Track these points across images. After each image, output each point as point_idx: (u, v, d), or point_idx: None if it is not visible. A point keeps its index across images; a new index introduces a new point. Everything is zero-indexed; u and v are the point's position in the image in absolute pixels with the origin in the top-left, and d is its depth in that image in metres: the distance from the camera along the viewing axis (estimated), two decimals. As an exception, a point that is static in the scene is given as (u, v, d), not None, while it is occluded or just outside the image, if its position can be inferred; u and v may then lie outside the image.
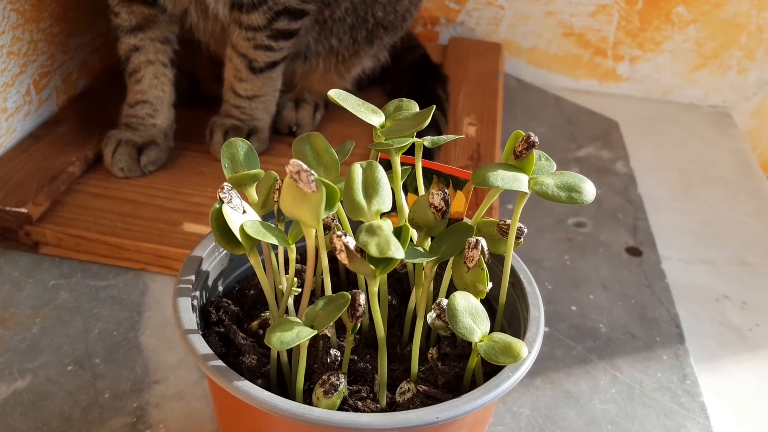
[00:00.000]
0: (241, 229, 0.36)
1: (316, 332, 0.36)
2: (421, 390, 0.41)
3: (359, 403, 0.40)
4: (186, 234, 0.71)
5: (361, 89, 0.95)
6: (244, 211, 0.37)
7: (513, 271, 0.46)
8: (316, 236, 0.37)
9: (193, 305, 0.42)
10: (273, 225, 0.38)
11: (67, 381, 0.59)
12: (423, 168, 0.48)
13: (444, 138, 0.44)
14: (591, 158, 0.98)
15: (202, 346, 0.38)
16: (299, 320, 0.37)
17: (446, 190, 0.41)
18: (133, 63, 0.77)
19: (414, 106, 0.43)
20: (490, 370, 0.41)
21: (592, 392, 0.63)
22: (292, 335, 0.35)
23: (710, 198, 0.95)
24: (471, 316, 0.39)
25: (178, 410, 0.58)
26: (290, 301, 0.43)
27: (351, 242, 0.35)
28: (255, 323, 0.45)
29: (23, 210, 0.69)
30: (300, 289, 0.46)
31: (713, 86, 1.17)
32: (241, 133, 0.82)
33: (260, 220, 0.38)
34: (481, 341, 0.39)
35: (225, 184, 0.37)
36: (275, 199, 0.42)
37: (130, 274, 0.70)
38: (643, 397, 0.64)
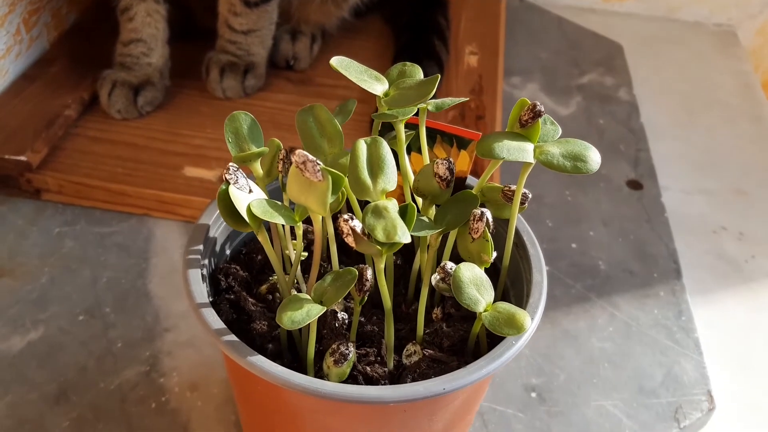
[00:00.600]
0: (248, 210, 0.37)
1: (325, 309, 0.37)
2: (427, 354, 0.42)
3: (368, 368, 0.41)
4: (187, 179, 0.71)
5: (359, 16, 0.93)
6: (251, 191, 0.37)
7: (517, 233, 0.46)
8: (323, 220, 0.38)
9: (202, 275, 0.43)
10: (279, 202, 0.38)
11: (79, 331, 0.60)
12: (427, 128, 0.48)
13: (448, 102, 0.44)
14: (594, 85, 0.97)
15: (215, 321, 0.39)
16: (308, 296, 0.37)
17: (450, 159, 0.41)
18: (124, 1, 0.75)
19: (417, 72, 0.42)
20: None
21: (590, 331, 0.65)
22: (303, 314, 0.36)
23: (711, 124, 0.95)
24: (476, 286, 0.39)
25: (190, 358, 0.59)
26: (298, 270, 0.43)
27: (358, 226, 0.35)
28: (264, 287, 0.46)
29: (23, 158, 0.69)
30: (306, 253, 0.46)
31: (719, 3, 1.14)
32: (237, 70, 0.80)
33: (266, 198, 0.38)
34: (485, 311, 0.39)
35: (230, 164, 0.37)
36: (279, 169, 0.42)
37: (134, 219, 0.71)
38: (640, 334, 0.65)
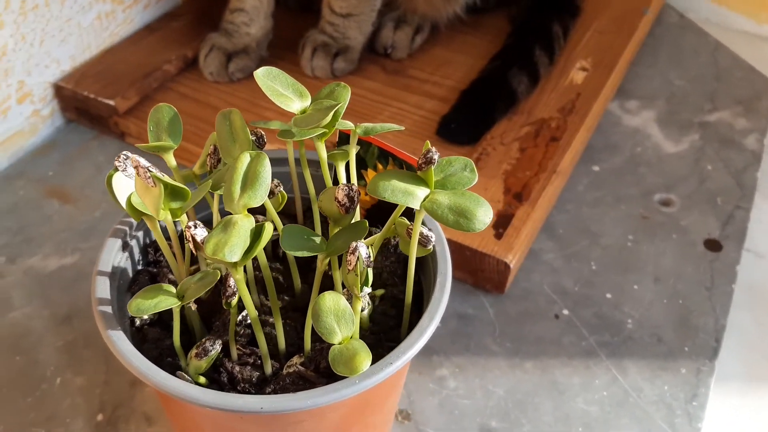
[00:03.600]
0: (128, 201, 0.39)
1: (178, 303, 0.39)
2: (299, 370, 0.42)
3: (236, 368, 0.43)
4: (244, 147, 0.75)
5: (475, 12, 0.91)
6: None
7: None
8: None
9: (126, 242, 0.46)
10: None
11: (105, 265, 0.68)
12: (381, 149, 0.47)
13: (378, 128, 0.43)
14: (721, 126, 0.86)
15: (102, 290, 0.42)
16: (172, 289, 0.40)
17: (354, 186, 0.41)
18: (232, -30, 0.80)
19: (345, 94, 0.42)
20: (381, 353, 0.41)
21: (582, 389, 0.61)
22: (150, 304, 0.38)
23: None
24: (335, 317, 0.39)
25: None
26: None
27: (199, 235, 0.36)
28: (193, 267, 0.48)
29: (111, 102, 0.77)
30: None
31: None
32: (329, 51, 0.83)
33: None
34: (340, 344, 0.39)
35: (123, 152, 0.40)
36: (207, 163, 0.44)
37: (193, 175, 0.76)
38: (635, 407, 0.60)
